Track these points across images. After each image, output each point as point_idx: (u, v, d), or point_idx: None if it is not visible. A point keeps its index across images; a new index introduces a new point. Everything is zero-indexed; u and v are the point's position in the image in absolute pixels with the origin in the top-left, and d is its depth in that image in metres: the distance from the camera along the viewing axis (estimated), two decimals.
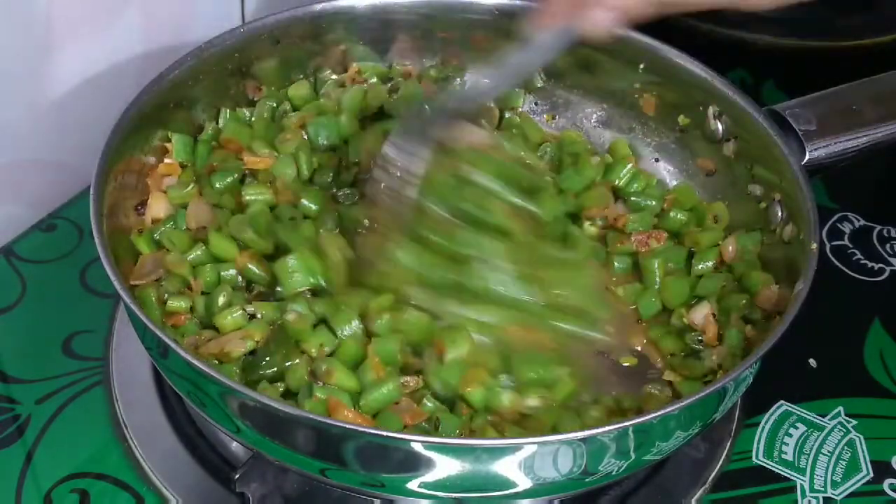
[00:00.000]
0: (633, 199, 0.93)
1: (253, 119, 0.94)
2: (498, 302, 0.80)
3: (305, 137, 0.92)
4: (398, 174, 0.80)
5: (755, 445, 0.87)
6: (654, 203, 0.92)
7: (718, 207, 0.92)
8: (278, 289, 0.82)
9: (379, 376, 0.76)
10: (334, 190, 0.90)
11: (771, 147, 0.86)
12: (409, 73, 1.00)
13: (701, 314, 0.84)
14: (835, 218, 1.06)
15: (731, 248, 0.88)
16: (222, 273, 0.83)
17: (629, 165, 0.95)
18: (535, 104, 1.02)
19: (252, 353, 0.78)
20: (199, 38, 0.90)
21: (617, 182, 0.94)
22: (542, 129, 1.00)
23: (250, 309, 0.79)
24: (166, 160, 0.89)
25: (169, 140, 0.89)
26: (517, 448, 0.68)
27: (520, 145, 0.92)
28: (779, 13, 1.27)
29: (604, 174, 0.95)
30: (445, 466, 0.68)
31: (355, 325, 0.78)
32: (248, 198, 0.87)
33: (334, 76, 0.99)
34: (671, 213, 0.92)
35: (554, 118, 1.02)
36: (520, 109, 1.01)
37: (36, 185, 1.00)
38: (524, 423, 0.76)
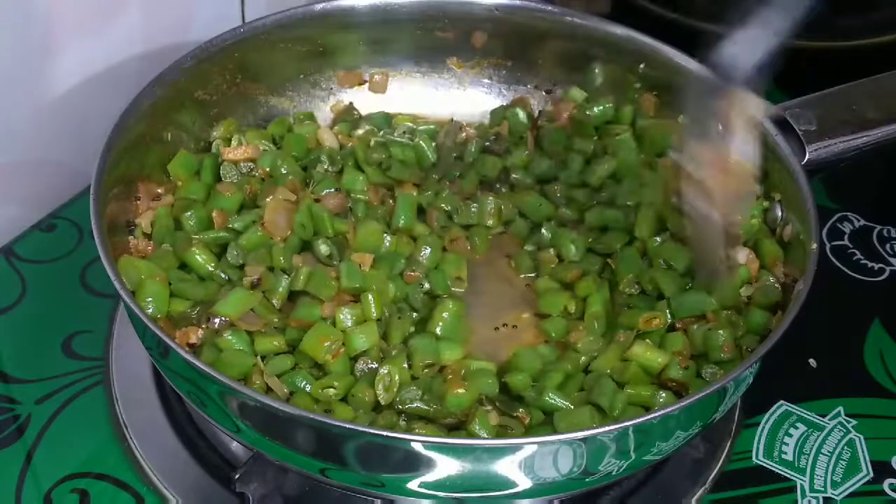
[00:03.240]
0: None
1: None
2: None
3: None
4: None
5: (755, 445, 0.87)
6: None
7: None
8: None
9: None
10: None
11: (771, 147, 0.86)
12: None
13: (743, 254, 0.85)
14: (835, 218, 1.06)
15: None
16: None
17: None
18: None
19: None
20: (199, 38, 0.90)
21: None
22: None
23: None
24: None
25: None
26: (517, 448, 0.68)
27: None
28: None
29: None
30: (445, 466, 0.68)
31: None
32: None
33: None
34: None
35: None
36: None
37: (36, 185, 1.00)
38: None
